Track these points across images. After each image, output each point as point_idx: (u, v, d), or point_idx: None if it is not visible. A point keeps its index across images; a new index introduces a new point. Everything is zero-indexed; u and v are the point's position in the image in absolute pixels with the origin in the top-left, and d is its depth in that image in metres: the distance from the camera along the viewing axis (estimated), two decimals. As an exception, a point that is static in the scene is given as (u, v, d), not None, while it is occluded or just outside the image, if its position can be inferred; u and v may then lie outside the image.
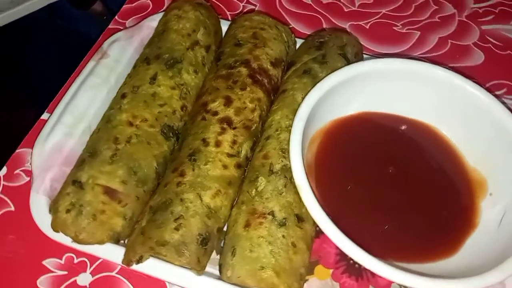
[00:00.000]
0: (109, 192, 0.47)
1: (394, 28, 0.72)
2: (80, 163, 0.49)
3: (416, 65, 0.51)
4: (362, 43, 0.69)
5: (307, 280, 0.49)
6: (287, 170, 0.48)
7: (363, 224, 0.48)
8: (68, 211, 0.45)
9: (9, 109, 0.68)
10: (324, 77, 0.53)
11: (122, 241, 0.47)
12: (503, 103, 0.50)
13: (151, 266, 0.44)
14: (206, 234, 0.45)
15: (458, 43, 0.70)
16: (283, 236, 0.44)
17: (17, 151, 0.57)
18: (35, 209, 0.48)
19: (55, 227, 0.45)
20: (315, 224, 0.47)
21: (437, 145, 0.54)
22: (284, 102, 0.53)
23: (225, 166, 0.48)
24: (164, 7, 0.74)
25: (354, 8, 0.74)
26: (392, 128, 0.55)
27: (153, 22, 0.64)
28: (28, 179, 0.55)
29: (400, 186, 0.52)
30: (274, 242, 0.44)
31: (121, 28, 0.71)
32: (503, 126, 0.50)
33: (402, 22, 0.72)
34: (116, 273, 0.49)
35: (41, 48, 0.73)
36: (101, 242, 0.45)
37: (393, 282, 0.49)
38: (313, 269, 0.50)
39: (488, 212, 0.50)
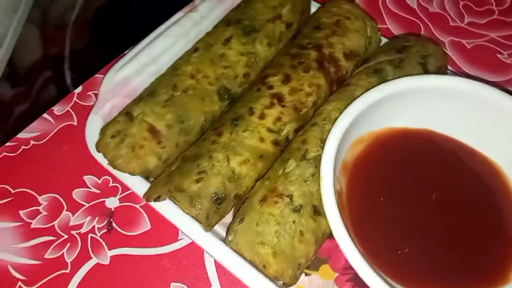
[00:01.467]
0: (153, 131, 0.50)
1: (498, 55, 0.65)
2: (138, 99, 0.53)
3: (490, 92, 0.46)
4: (457, 61, 0.64)
5: (309, 274, 0.48)
6: (319, 161, 0.47)
7: (382, 240, 0.46)
8: (113, 136, 0.49)
9: (104, 38, 0.75)
10: (393, 77, 0.51)
11: (151, 179, 0.51)
12: None
13: (166, 207, 0.47)
14: (222, 195, 0.46)
15: None
16: (293, 222, 0.44)
17: (95, 75, 0.63)
18: (89, 128, 0.53)
19: (98, 147, 0.50)
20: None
21: (493, 181, 0.49)
22: (342, 95, 0.51)
23: (261, 139, 0.48)
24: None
25: (461, 24, 0.69)
26: (448, 152, 0.50)
27: (250, -11, 0.65)
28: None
29: (438, 214, 0.48)
30: (283, 224, 0.44)
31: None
32: None
33: (509, 52, 0.65)
34: (140, 206, 0.53)
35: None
36: (132, 173, 0.49)
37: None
38: (318, 267, 0.49)
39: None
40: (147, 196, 0.47)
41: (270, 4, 0.58)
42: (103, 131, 0.51)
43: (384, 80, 0.51)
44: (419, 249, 0.46)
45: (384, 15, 0.70)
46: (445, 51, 0.58)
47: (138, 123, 0.50)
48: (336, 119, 0.49)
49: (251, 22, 0.57)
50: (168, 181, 0.46)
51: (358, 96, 0.49)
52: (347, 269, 0.49)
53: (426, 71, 0.53)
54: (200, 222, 0.45)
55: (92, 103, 0.60)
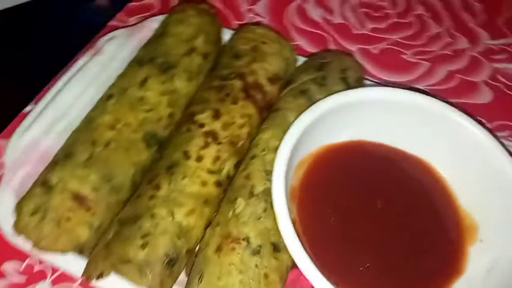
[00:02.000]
0: (78, 198, 0.44)
1: (403, 56, 0.69)
2: (53, 164, 0.46)
3: (417, 98, 0.49)
4: (367, 68, 0.66)
5: (279, 313, 0.46)
6: (269, 194, 0.45)
7: (343, 260, 0.45)
8: (32, 214, 0.43)
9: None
10: (321, 99, 0.51)
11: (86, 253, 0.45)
12: (503, 145, 0.47)
13: (111, 284, 0.41)
14: (174, 255, 0.42)
15: (468, 78, 0.67)
16: (256, 266, 0.41)
17: (-4, 138, 0.55)
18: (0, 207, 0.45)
19: (17, 229, 0.43)
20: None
21: (431, 183, 0.51)
22: (274, 122, 0.50)
23: (203, 183, 0.45)
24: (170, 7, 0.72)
25: (364, 32, 0.72)
26: (385, 160, 0.52)
27: (155, 23, 0.61)
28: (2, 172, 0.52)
29: (386, 223, 0.48)
30: (246, 271, 0.41)
31: (122, 25, 0.69)
32: (503, 170, 0.47)
33: (412, 51, 0.70)
34: (78, 285, 0.46)
35: (37, 37, 0.71)
36: (63, 251, 0.43)
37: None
38: (286, 303, 0.47)
39: (476, 259, 0.46)
40: (87, 275, 0.41)
41: (182, 38, 0.55)
42: (18, 209, 0.43)
43: (311, 100, 0.51)
44: (376, 262, 0.46)
45: (290, 31, 0.71)
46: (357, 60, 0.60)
47: (59, 192, 0.44)
48: (274, 147, 0.47)
49: (166, 59, 0.53)
50: (108, 253, 0.41)
51: (292, 121, 0.48)
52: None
53: (348, 85, 0.54)
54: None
55: (-4, 176, 0.52)
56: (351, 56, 0.58)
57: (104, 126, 0.48)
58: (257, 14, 0.73)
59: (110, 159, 0.46)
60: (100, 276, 0.41)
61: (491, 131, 0.50)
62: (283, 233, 0.41)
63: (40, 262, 0.47)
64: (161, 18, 0.61)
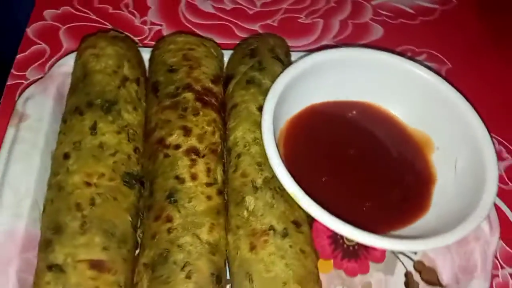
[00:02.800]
0: (95, 264, 0.42)
1: (300, 20, 0.75)
2: (47, 244, 0.43)
3: (367, 53, 0.56)
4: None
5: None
6: (269, 182, 0.48)
7: (341, 209, 0.50)
8: (57, 302, 0.40)
9: None
10: (268, 82, 0.54)
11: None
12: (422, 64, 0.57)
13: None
14: (217, 271, 0.43)
15: (357, 22, 0.76)
16: (290, 246, 0.44)
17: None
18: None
19: (48, 326, 0.39)
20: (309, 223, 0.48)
21: (382, 119, 0.58)
22: (241, 117, 0.52)
23: (209, 197, 0.46)
24: (62, 50, 0.67)
25: (257, 9, 0.76)
26: (343, 114, 0.58)
27: (64, 67, 0.58)
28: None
29: (363, 165, 0.55)
30: (285, 254, 0.44)
31: (23, 81, 0.63)
32: (430, 85, 0.55)
33: (304, 13, 0.76)
34: None
35: None
36: (105, 322, 0.41)
37: (385, 250, 0.53)
38: (314, 266, 0.51)
39: (441, 164, 0.56)
40: (144, 329, 0.40)
41: (109, 71, 0.53)
42: (39, 305, 0.40)
43: (260, 86, 0.54)
44: (369, 202, 0.52)
45: (194, 30, 0.72)
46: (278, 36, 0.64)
47: (73, 269, 0.41)
48: (254, 139, 0.50)
49: (104, 97, 0.51)
50: (157, 300, 0.40)
51: (256, 110, 0.52)
52: (335, 251, 0.53)
53: (281, 61, 0.58)
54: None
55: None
56: (273, 35, 0.62)
57: (79, 186, 0.46)
58: (153, 24, 0.72)
59: (103, 214, 0.45)
60: (159, 324, 0.40)
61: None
62: (293, 193, 0.45)
63: None
64: (67, 60, 0.58)
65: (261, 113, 0.51)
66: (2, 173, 0.48)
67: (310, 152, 0.54)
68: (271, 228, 0.45)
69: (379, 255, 0.53)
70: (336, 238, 0.54)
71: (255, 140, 0.50)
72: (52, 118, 0.54)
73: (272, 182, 0.48)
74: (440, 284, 0.52)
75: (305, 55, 0.56)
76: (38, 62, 0.65)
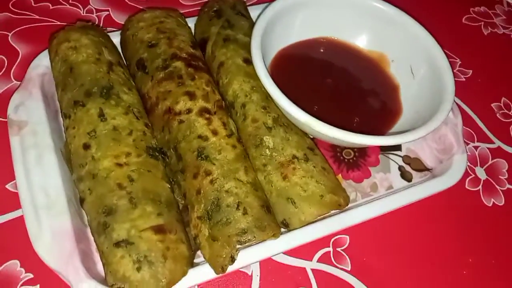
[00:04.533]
0: (157, 229, 0.45)
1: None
2: (104, 226, 0.45)
3: None
4: None
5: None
6: (277, 120, 0.54)
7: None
8: (138, 269, 0.43)
9: None
10: (242, 37, 0.59)
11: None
12: None
13: (241, 259, 0.46)
14: (265, 203, 0.49)
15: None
16: (314, 167, 0.51)
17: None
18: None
19: (137, 291, 0.43)
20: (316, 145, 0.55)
21: (344, 49, 0.66)
22: (232, 72, 0.56)
23: (234, 146, 0.51)
24: (20, 56, 0.65)
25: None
26: (312, 52, 0.64)
27: (39, 68, 0.58)
28: (36, 287, 0.48)
29: (341, 89, 0.63)
30: (313, 174, 0.50)
31: (-4, 96, 0.61)
32: (375, 9, 0.64)
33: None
34: (199, 295, 0.49)
35: None
36: (184, 274, 0.45)
37: (378, 154, 0.62)
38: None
39: (400, 73, 0.65)
40: (220, 268, 0.45)
41: (93, 60, 0.55)
42: (120, 277, 0.43)
43: (237, 41, 0.59)
44: (333, 108, 0.59)
45: (138, 7, 0.73)
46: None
47: (140, 238, 0.44)
48: (252, 87, 0.55)
49: (98, 84, 0.53)
50: (225, 240, 0.45)
51: (242, 62, 0.56)
52: (339, 166, 0.61)
53: (244, 15, 0.63)
54: (275, 234, 0.47)
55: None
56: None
57: (112, 169, 0.48)
58: (99, 10, 0.72)
59: (145, 187, 0.48)
60: (232, 260, 0.45)
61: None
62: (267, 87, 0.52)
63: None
64: (40, 61, 0.58)
65: (249, 64, 0.56)
66: (26, 181, 0.49)
67: (295, 89, 0.60)
68: (294, 156, 0.51)
69: (374, 160, 0.62)
70: (337, 156, 0.62)
71: (252, 88, 0.55)
72: (48, 117, 0.54)
73: (280, 119, 0.54)
74: (427, 169, 0.62)
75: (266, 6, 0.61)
76: (0, 73, 0.63)
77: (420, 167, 0.63)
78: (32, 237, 0.45)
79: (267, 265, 0.52)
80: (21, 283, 0.48)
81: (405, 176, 0.62)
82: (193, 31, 0.63)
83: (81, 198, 0.49)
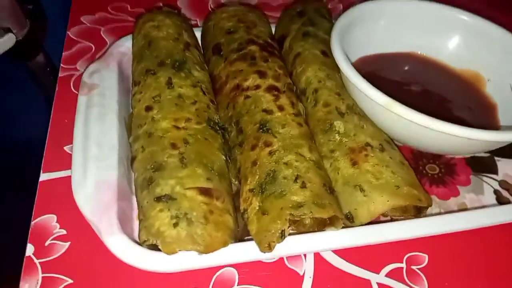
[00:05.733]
0: (204, 191, 0.40)
1: None
2: (149, 181, 0.41)
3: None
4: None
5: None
6: (352, 108, 0.48)
7: None
8: (175, 225, 0.38)
9: None
10: (322, 34, 0.57)
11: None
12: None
13: (287, 246, 0.39)
14: (328, 183, 0.42)
15: None
16: (391, 158, 0.44)
17: (33, 222, 0.45)
18: (123, 252, 0.38)
19: (170, 248, 0.37)
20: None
21: (432, 67, 0.60)
22: (307, 61, 0.53)
23: (300, 124, 0.46)
24: (107, 45, 0.68)
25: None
26: (396, 67, 0.60)
27: (121, 48, 0.59)
28: (67, 244, 0.44)
29: (430, 101, 0.56)
30: (389, 164, 0.43)
31: (74, 73, 0.63)
32: (469, 26, 0.58)
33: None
34: (238, 285, 0.42)
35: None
36: (225, 244, 0.39)
37: (470, 174, 0.53)
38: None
39: (497, 92, 0.57)
40: (266, 246, 0.38)
41: (172, 37, 0.55)
42: (153, 233, 0.38)
43: (317, 36, 0.56)
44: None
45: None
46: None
47: (183, 195, 0.40)
48: (326, 75, 0.51)
49: (173, 58, 0.52)
50: (277, 213, 0.39)
51: (320, 52, 0.53)
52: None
53: (328, 19, 0.61)
54: (336, 215, 0.40)
55: (63, 251, 0.43)
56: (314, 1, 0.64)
57: (169, 130, 0.45)
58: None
59: (199, 151, 0.44)
60: (282, 235, 0.38)
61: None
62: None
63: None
64: (124, 42, 0.60)
65: (326, 56, 0.53)
66: (83, 133, 0.47)
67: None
68: (368, 144, 0.45)
69: (464, 179, 0.53)
70: (418, 170, 0.53)
71: (328, 75, 0.51)
72: (120, 88, 0.54)
73: (355, 108, 0.48)
74: (529, 196, 0.51)
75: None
76: (86, 56, 0.66)
77: (522, 194, 0.52)
78: (74, 184, 0.43)
79: (323, 268, 0.43)
80: (53, 237, 0.44)
81: (502, 200, 0.51)
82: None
83: (132, 157, 0.46)
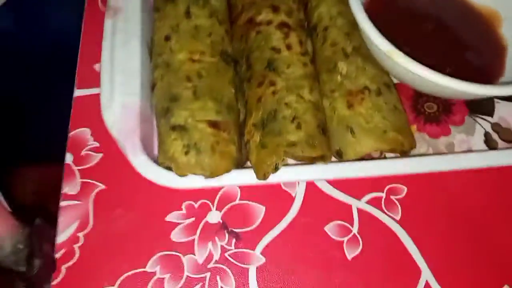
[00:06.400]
0: (213, 124, 0.46)
1: None
2: (166, 111, 0.48)
3: None
4: None
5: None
6: (358, 49, 0.51)
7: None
8: (186, 153, 0.45)
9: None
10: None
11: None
12: None
13: (281, 175, 0.46)
14: (322, 125, 0.47)
15: None
16: (385, 103, 0.48)
17: (70, 134, 0.53)
18: (145, 170, 0.46)
19: (181, 171, 0.45)
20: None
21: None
22: (321, -6, 0.54)
23: (305, 64, 0.50)
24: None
25: None
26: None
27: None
28: (99, 155, 0.52)
29: (440, 37, 0.57)
30: (381, 109, 0.47)
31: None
32: None
33: None
34: (240, 200, 0.50)
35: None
36: (228, 171, 0.46)
37: (464, 115, 0.56)
38: (401, 131, 0.55)
39: (510, 32, 0.57)
40: (263, 174, 0.45)
41: (192, -41, 0.56)
42: (169, 157, 0.45)
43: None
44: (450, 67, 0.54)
45: None
46: None
47: (194, 127, 0.46)
48: (339, 12, 0.53)
49: (191, -15, 0.54)
50: (273, 148, 0.45)
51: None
52: (417, 117, 0.56)
53: None
54: (325, 155, 0.46)
55: (97, 160, 0.52)
56: None
57: (185, 62, 0.50)
58: None
59: (211, 85, 0.49)
60: (275, 168, 0.45)
61: None
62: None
63: (196, 200, 0.50)
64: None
65: (341, -9, 0.53)
66: (110, 59, 0.52)
67: (392, 26, 0.56)
68: (366, 88, 0.48)
69: (459, 119, 0.57)
70: (416, 108, 0.57)
71: (340, 13, 0.52)
72: (143, 8, 0.57)
73: (361, 50, 0.51)
74: (517, 141, 0.55)
75: None
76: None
77: (510, 138, 0.55)
78: (103, 108, 0.49)
79: (313, 192, 0.51)
80: (87, 148, 0.52)
81: (490, 143, 0.55)
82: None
83: (153, 83, 0.51)
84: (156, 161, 0.47)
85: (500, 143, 0.55)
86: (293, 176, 0.47)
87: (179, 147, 0.45)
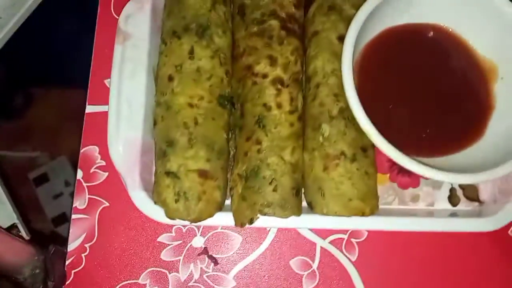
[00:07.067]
0: (202, 173, 0.53)
1: None
2: (163, 154, 0.54)
3: None
4: None
5: (371, 189, 0.61)
6: (343, 112, 0.55)
7: (403, 135, 0.57)
8: (176, 201, 0.52)
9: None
10: (349, 9, 0.57)
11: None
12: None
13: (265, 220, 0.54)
14: (297, 186, 0.54)
15: None
16: (357, 169, 0.54)
17: (82, 151, 0.61)
18: (141, 205, 0.54)
19: (171, 216, 0.53)
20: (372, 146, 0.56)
21: (454, 44, 0.60)
22: (321, 46, 0.56)
23: (291, 124, 0.54)
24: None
25: None
26: (419, 36, 0.60)
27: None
28: (105, 173, 0.60)
29: (429, 91, 0.60)
30: (352, 176, 0.53)
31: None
32: (506, 16, 0.56)
33: None
34: (221, 229, 0.59)
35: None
36: (211, 216, 0.54)
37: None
38: (373, 179, 0.61)
39: (502, 94, 0.59)
40: (240, 224, 0.53)
41: (199, -6, 0.57)
42: (162, 201, 0.53)
43: (341, 12, 0.57)
44: (408, 112, 0.59)
45: None
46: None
47: (185, 176, 0.53)
48: (332, 70, 0.55)
49: (198, 22, 0.56)
50: (250, 204, 0.52)
51: (334, 41, 0.56)
52: (392, 167, 0.62)
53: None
54: (294, 214, 0.53)
55: (104, 178, 0.60)
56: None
57: (184, 107, 0.54)
58: None
59: (206, 132, 0.54)
60: (251, 221, 0.53)
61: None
62: (362, 124, 0.52)
63: (185, 226, 0.58)
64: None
65: (341, 43, 0.55)
66: (118, 89, 0.57)
67: (382, 79, 0.59)
68: (342, 153, 0.53)
69: (430, 173, 0.62)
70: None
71: (333, 71, 0.55)
72: (151, 34, 0.60)
73: (346, 112, 0.55)
74: (479, 200, 0.61)
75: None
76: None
77: (473, 196, 0.61)
78: (109, 143, 0.55)
79: (285, 228, 0.59)
80: (95, 166, 0.60)
81: (452, 199, 0.61)
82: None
83: (155, 120, 0.57)
84: (151, 192, 0.55)
85: (462, 200, 0.61)
86: (267, 223, 0.54)
87: (171, 194, 0.52)
